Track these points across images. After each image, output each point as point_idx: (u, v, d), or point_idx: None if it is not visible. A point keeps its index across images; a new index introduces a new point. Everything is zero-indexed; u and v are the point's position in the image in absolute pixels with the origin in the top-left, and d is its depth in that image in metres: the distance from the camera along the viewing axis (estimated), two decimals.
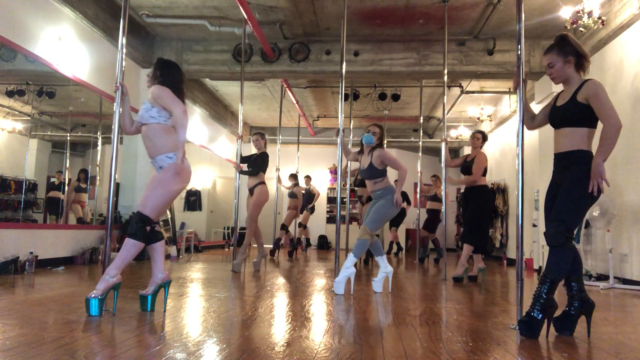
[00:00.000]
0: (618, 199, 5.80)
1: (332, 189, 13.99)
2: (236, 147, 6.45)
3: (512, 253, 9.62)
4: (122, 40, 3.40)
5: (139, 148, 7.44)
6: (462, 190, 5.92)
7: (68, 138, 6.86)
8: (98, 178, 7.32)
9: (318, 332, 2.55)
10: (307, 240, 10.74)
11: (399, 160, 4.47)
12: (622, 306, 4.01)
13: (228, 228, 12.07)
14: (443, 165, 6.28)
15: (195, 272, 5.63)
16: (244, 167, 6.21)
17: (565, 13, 5.51)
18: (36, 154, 6.35)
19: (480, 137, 5.60)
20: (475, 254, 5.56)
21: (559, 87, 2.91)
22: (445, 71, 6.17)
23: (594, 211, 5.65)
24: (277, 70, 7.77)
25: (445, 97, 6.17)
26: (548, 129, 2.97)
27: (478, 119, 10.40)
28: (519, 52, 3.01)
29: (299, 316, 3.01)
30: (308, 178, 10.14)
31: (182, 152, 2.93)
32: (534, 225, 7.59)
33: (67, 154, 6.74)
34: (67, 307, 3.04)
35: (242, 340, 2.35)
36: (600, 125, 2.72)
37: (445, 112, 6.30)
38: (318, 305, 3.47)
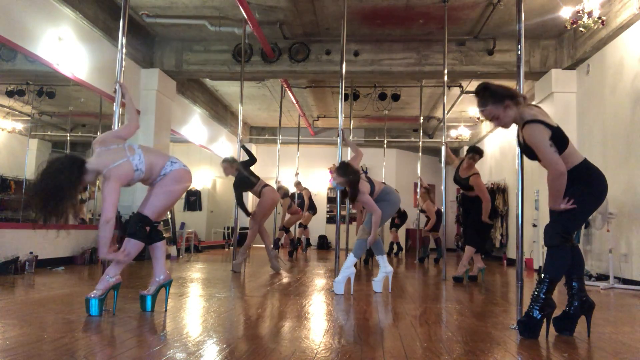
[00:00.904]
0: (618, 199, 5.80)
1: (332, 189, 14.00)
2: (236, 148, 6.45)
3: (512, 253, 9.62)
4: (122, 40, 3.41)
5: None
6: (461, 191, 5.89)
7: (68, 138, 6.86)
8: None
9: (318, 332, 2.55)
10: (307, 240, 10.75)
11: (373, 203, 4.17)
12: (622, 306, 4.01)
13: (228, 228, 12.07)
14: (443, 165, 6.30)
15: (195, 272, 5.63)
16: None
17: (565, 13, 5.51)
18: (36, 154, 6.35)
19: (477, 159, 5.58)
20: (475, 254, 5.56)
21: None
22: (445, 71, 6.17)
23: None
24: (277, 70, 7.77)
25: (445, 97, 6.17)
26: None
27: (478, 119, 10.41)
28: (519, 52, 3.01)
29: (299, 316, 3.01)
30: (298, 183, 10.10)
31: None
32: (534, 225, 7.59)
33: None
34: (67, 307, 3.05)
35: (242, 340, 2.35)
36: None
37: (445, 112, 6.30)
38: (318, 305, 3.47)
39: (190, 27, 7.28)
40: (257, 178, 5.92)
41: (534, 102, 7.78)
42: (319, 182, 14.01)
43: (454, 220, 12.46)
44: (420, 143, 9.01)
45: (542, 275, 2.60)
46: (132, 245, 2.91)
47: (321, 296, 3.95)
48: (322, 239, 13.38)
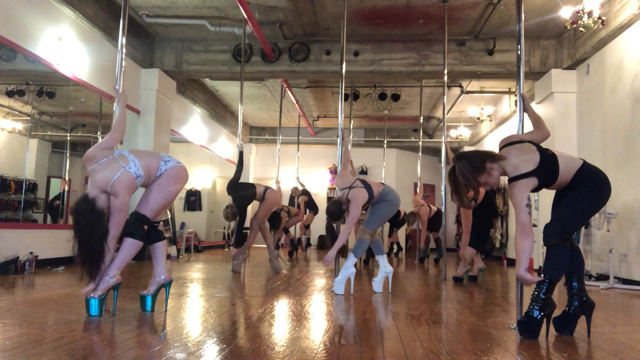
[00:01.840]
0: (618, 199, 5.80)
1: (332, 189, 14.00)
2: (236, 147, 6.44)
3: (512, 253, 9.62)
4: (122, 40, 3.41)
5: (139, 148, 7.44)
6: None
7: (68, 138, 6.86)
8: None
9: (318, 332, 2.55)
10: (308, 240, 10.75)
11: (355, 216, 4.16)
12: (622, 306, 4.01)
13: (228, 228, 12.07)
14: (443, 165, 6.30)
15: (195, 272, 5.63)
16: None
17: (565, 13, 5.51)
18: (36, 154, 6.36)
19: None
20: (475, 254, 5.56)
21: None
22: (445, 71, 6.17)
23: None
24: (277, 70, 7.77)
25: (445, 97, 6.18)
26: (547, 127, 2.98)
27: (478, 119, 10.40)
28: (519, 52, 3.01)
29: (299, 316, 3.01)
30: (295, 188, 10.10)
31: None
32: (534, 225, 7.59)
33: (67, 154, 6.75)
34: (67, 307, 3.05)
35: (242, 340, 2.35)
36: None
37: (445, 112, 6.30)
38: (318, 305, 3.47)
39: (190, 27, 7.28)
40: (252, 186, 5.92)
41: (533, 102, 7.77)
42: (319, 182, 14.01)
43: (454, 221, 12.47)
44: (420, 143, 9.01)
45: (542, 276, 2.60)
46: (130, 245, 2.91)
47: (321, 296, 3.95)
48: (322, 239, 13.39)
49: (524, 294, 2.81)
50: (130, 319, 2.75)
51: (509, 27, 6.99)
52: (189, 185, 11.14)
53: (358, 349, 2.19)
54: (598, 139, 6.52)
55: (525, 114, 3.07)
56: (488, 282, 5.57)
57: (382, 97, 9.65)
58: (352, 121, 9.05)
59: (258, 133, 13.84)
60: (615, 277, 5.54)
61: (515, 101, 4.96)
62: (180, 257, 8.29)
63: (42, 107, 6.45)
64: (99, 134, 7.16)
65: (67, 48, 5.89)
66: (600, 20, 5.17)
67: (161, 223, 3.20)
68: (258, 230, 5.89)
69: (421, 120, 9.25)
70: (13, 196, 5.83)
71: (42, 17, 5.51)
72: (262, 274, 5.64)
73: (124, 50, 3.41)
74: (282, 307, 3.40)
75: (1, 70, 5.64)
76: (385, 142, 11.10)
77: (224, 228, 12.15)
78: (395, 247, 10.46)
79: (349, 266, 4.16)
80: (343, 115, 4.95)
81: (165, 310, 3.02)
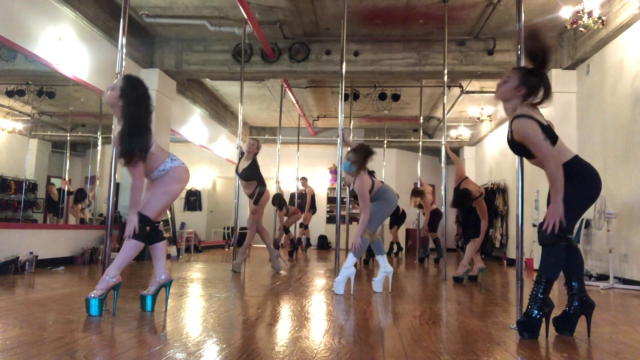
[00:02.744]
0: (618, 198, 5.80)
1: (332, 189, 14.00)
2: (236, 148, 6.44)
3: (512, 253, 9.62)
4: (122, 40, 3.41)
5: None
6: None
7: (68, 138, 6.86)
8: (98, 178, 7.32)
9: (318, 332, 2.55)
10: (307, 240, 10.75)
11: (367, 201, 4.23)
12: (622, 306, 4.01)
13: (228, 228, 12.07)
14: (443, 165, 6.30)
15: (195, 272, 5.63)
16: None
17: (565, 13, 5.51)
18: (36, 154, 6.36)
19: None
20: (475, 254, 5.56)
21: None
22: (445, 71, 6.16)
23: (591, 211, 5.65)
24: (277, 70, 7.77)
25: (445, 97, 6.17)
26: None
27: (478, 119, 10.41)
28: (519, 52, 3.01)
29: (299, 316, 3.01)
30: (304, 180, 10.15)
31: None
32: (534, 225, 7.59)
33: (67, 154, 6.75)
34: (67, 307, 3.04)
35: (242, 340, 2.35)
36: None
37: (445, 112, 6.30)
38: (318, 305, 3.47)
39: (190, 27, 7.28)
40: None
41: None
42: (319, 182, 14.00)
43: (454, 220, 12.46)
44: (420, 143, 9.00)
45: (539, 276, 2.59)
46: (132, 245, 2.91)
47: (321, 296, 3.95)
48: (322, 239, 13.38)
49: (524, 294, 2.81)
50: (130, 319, 2.75)
51: (509, 27, 6.98)
52: (189, 185, 11.13)
53: (358, 349, 2.19)
54: (598, 139, 6.52)
55: None
56: (488, 282, 5.57)
57: (382, 97, 9.65)
58: (352, 121, 9.03)
59: (258, 133, 13.83)
60: (615, 277, 5.54)
61: None
62: (180, 257, 8.29)
63: (42, 107, 6.45)
64: (98, 134, 7.17)
65: (67, 48, 5.89)
66: (600, 20, 5.17)
67: (161, 223, 3.20)
68: (256, 230, 5.89)
69: (421, 120, 9.24)
70: (13, 196, 5.83)
71: (42, 17, 5.51)
72: (262, 274, 5.64)
73: (124, 50, 3.41)
74: (282, 307, 3.40)
75: (1, 70, 5.64)
76: (385, 142, 11.10)
77: (224, 228, 12.15)
78: (395, 247, 10.46)
79: (348, 266, 4.16)
80: (343, 115, 4.95)
81: (165, 310, 3.02)
